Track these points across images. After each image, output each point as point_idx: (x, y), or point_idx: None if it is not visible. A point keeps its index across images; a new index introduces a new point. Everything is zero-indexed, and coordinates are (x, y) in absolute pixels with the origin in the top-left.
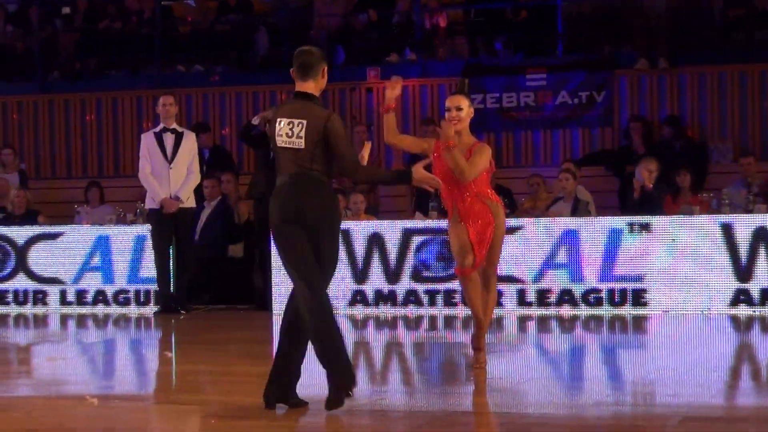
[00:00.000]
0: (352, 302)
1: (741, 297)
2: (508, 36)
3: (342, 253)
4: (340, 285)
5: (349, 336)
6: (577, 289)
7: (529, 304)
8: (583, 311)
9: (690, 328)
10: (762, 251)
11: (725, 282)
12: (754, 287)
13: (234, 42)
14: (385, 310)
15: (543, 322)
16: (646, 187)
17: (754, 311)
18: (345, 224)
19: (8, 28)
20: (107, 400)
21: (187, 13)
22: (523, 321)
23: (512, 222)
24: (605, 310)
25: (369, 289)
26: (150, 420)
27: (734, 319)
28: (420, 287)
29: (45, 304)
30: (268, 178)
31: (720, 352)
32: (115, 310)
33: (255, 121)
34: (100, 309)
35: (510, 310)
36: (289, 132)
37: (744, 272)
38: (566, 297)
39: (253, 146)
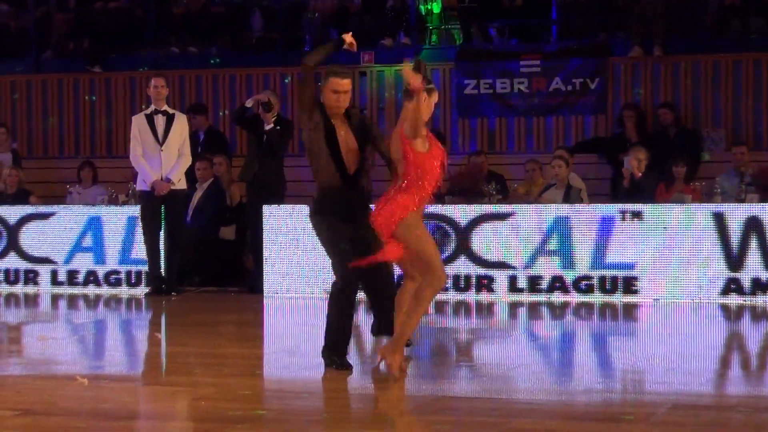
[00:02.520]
0: None
1: (732, 286)
2: (503, 22)
3: None
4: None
5: None
6: (569, 276)
7: (521, 291)
8: (574, 298)
9: (680, 316)
10: (753, 241)
11: (716, 271)
12: (745, 277)
13: (228, 24)
14: None
15: (534, 309)
16: (634, 176)
17: (745, 300)
18: None
19: (2, 6)
20: (97, 381)
21: None
22: (514, 307)
23: (504, 208)
24: (596, 298)
25: None
26: (139, 401)
27: (725, 308)
28: None
29: (36, 283)
30: (260, 161)
31: (710, 341)
32: (106, 290)
33: (248, 103)
34: (91, 289)
35: (501, 296)
36: None
37: (735, 262)
38: (557, 284)
39: (247, 129)
